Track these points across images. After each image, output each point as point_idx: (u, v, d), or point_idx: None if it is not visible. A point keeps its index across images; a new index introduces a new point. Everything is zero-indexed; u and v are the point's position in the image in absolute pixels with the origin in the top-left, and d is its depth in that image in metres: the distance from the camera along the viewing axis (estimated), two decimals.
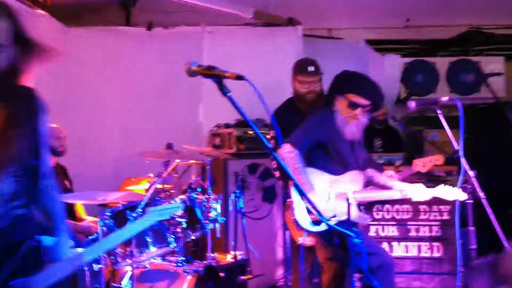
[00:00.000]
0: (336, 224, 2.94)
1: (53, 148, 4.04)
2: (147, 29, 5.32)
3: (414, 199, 3.18)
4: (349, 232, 1.71)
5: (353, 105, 3.26)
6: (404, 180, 3.34)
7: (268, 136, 4.79)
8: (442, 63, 5.48)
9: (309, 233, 3.22)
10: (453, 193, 3.10)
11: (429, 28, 5.88)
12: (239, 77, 1.64)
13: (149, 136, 5.03)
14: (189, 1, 4.91)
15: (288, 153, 3.20)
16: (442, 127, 3.13)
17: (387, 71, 5.50)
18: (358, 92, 3.27)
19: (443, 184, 3.19)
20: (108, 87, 5.23)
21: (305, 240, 3.22)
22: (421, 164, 3.32)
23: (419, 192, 3.18)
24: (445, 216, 4.31)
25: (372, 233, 4.37)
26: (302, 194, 1.69)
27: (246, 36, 5.46)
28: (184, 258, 3.43)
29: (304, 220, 3.21)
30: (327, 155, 3.32)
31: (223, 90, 1.69)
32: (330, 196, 3.22)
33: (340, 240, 1.69)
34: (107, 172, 5.08)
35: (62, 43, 5.03)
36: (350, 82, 3.34)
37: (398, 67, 5.47)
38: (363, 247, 1.72)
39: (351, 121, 3.29)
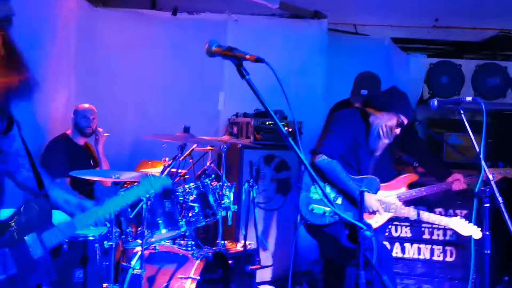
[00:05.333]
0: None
1: (80, 128, 4.12)
2: (172, 14, 5.31)
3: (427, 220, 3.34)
4: (361, 224, 1.69)
5: (400, 125, 3.29)
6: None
7: (286, 128, 4.78)
8: (468, 66, 5.37)
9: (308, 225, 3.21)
10: (468, 229, 3.17)
11: (458, 30, 5.76)
12: (259, 60, 1.62)
13: (168, 120, 5.04)
14: None
15: (327, 165, 3.14)
16: (462, 131, 3.07)
17: (412, 70, 5.42)
18: (408, 115, 3.30)
19: (458, 217, 3.29)
20: (130, 69, 5.25)
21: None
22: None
23: (435, 219, 3.32)
24: None
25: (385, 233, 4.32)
26: (316, 183, 1.67)
27: (271, 26, 5.43)
28: (193, 243, 3.43)
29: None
30: (346, 156, 3.28)
31: (242, 73, 1.66)
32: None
33: (350, 232, 1.66)
34: (124, 153, 5.12)
35: (89, 22, 5.07)
36: (404, 103, 3.33)
37: (423, 67, 5.38)
38: (373, 240, 1.69)
39: (387, 137, 3.31)
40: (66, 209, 2.17)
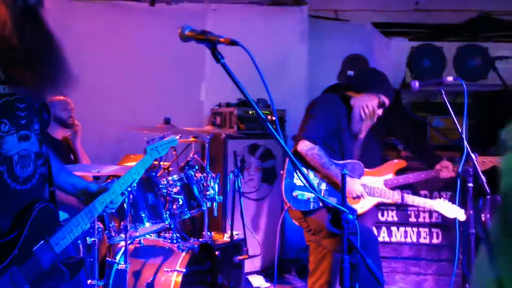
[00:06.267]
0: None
1: (62, 120, 4.04)
2: (150, 5, 5.23)
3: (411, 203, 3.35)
4: (343, 208, 1.66)
5: (382, 106, 3.27)
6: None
7: (269, 117, 4.74)
8: (449, 48, 5.37)
9: (292, 210, 3.19)
10: (452, 210, 3.16)
11: (438, 13, 5.75)
12: (234, 42, 1.58)
13: (150, 113, 4.96)
14: None
15: (309, 150, 3.11)
16: (445, 113, 3.06)
17: (393, 54, 5.40)
18: (388, 95, 3.29)
19: (442, 199, 3.29)
20: (109, 62, 5.16)
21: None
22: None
23: (420, 201, 3.33)
24: None
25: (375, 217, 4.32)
26: (297, 169, 1.64)
27: (251, 14, 5.37)
28: (179, 235, 3.39)
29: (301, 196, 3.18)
30: (328, 141, 3.25)
31: (217, 57, 1.62)
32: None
33: (333, 216, 1.64)
34: (107, 148, 5.05)
35: (65, 16, 4.96)
36: (384, 83, 3.33)
37: (404, 51, 5.37)
38: (356, 224, 1.67)
39: (370, 118, 3.29)
40: (74, 194, 2.05)
